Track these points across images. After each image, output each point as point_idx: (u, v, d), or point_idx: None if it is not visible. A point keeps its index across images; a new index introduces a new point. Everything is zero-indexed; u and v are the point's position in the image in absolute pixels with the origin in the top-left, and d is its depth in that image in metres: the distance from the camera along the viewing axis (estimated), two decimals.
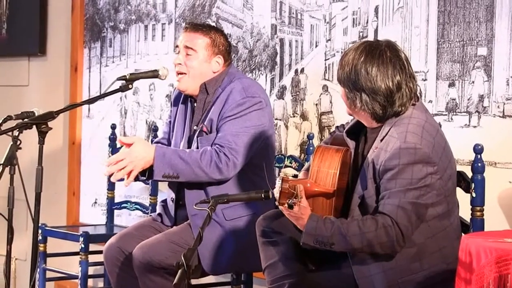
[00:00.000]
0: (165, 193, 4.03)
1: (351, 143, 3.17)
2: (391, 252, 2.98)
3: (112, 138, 4.94)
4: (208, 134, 3.76)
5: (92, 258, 4.55)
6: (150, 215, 4.11)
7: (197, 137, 3.78)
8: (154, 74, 3.86)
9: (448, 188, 3.04)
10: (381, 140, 3.03)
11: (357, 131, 3.20)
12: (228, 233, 3.70)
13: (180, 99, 3.97)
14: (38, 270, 4.57)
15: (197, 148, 3.75)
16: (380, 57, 3.03)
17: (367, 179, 3.03)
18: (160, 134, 4.21)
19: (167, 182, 3.89)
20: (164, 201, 3.98)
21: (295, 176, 3.01)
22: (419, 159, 2.94)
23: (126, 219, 5.15)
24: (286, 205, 2.97)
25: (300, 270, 3.17)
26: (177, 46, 3.90)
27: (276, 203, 3.01)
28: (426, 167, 2.95)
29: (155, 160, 3.66)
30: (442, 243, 3.03)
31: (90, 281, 4.81)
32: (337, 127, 3.43)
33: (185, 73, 3.83)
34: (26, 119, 3.53)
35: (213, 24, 4.63)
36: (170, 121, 4.02)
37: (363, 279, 3.05)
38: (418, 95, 3.12)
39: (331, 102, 4.23)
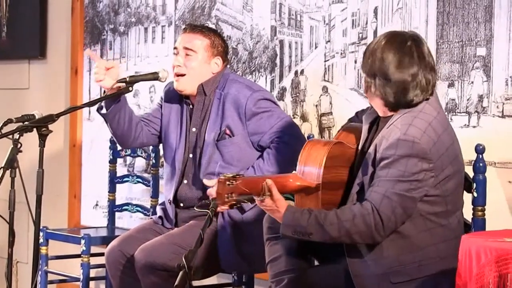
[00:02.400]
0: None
1: (365, 127, 3.18)
2: (371, 242, 2.98)
3: (113, 141, 4.94)
4: (231, 137, 3.78)
5: (93, 261, 4.55)
6: (151, 218, 4.12)
7: (217, 140, 3.79)
8: (154, 77, 3.87)
9: (448, 188, 3.03)
10: (387, 128, 3.05)
11: (374, 120, 3.21)
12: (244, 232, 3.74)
13: (174, 98, 3.96)
14: (40, 272, 4.57)
15: (219, 149, 3.79)
16: (399, 45, 3.05)
17: (369, 166, 3.04)
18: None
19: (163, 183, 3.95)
20: (163, 203, 3.98)
21: (235, 177, 3.03)
22: (415, 153, 2.95)
23: (127, 221, 5.15)
24: (227, 206, 3.03)
25: (301, 266, 3.18)
26: (175, 48, 3.90)
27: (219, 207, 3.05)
28: (422, 162, 2.95)
29: None
30: (438, 239, 3.03)
31: (92, 284, 4.82)
32: (356, 112, 3.43)
33: (184, 74, 3.84)
34: (26, 122, 3.54)
35: (213, 26, 4.63)
36: (159, 111, 3.99)
37: (356, 266, 3.05)
38: (435, 89, 3.11)
39: (331, 103, 4.23)
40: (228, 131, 3.79)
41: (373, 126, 3.18)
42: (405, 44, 3.04)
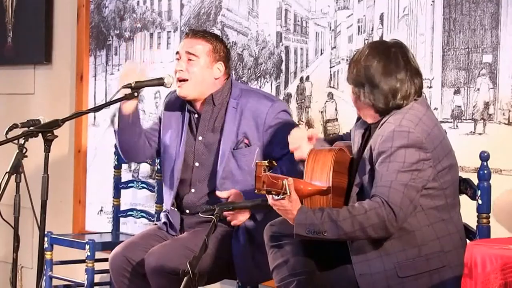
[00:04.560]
0: None
1: (358, 136, 3.21)
2: (385, 234, 3.00)
3: None
4: (249, 146, 3.78)
5: (98, 266, 4.55)
6: (155, 224, 4.11)
7: (234, 149, 3.78)
8: (159, 82, 3.87)
9: (446, 181, 3.07)
10: (379, 128, 3.09)
11: (365, 129, 3.24)
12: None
13: (175, 106, 3.95)
14: (44, 278, 4.57)
15: (235, 157, 3.79)
16: (383, 52, 3.10)
17: (366, 166, 3.08)
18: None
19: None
20: (166, 210, 3.98)
21: (270, 162, 3.04)
22: (412, 143, 2.99)
23: (132, 227, 5.15)
24: (264, 191, 2.99)
25: (309, 269, 3.18)
26: (177, 53, 3.89)
27: (255, 190, 3.03)
28: (419, 152, 3.00)
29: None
30: (440, 233, 3.07)
31: None
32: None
33: (186, 79, 3.83)
34: (31, 127, 3.55)
35: (218, 32, 4.64)
36: (158, 124, 4.00)
37: (360, 264, 3.07)
38: (422, 91, 3.16)
39: (336, 110, 4.23)
40: (246, 141, 3.79)
41: (365, 135, 3.22)
42: (390, 51, 3.11)
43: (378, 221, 2.95)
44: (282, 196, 2.99)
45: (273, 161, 3.11)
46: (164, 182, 3.99)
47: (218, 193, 3.72)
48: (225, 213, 3.68)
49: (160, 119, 4.02)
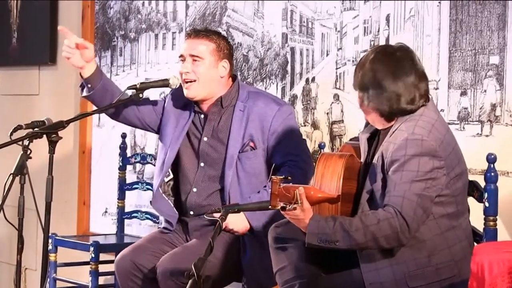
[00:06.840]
0: None
1: (363, 142, 3.19)
2: (398, 244, 2.98)
3: (123, 147, 4.94)
4: (255, 149, 3.77)
5: (102, 268, 4.54)
6: (159, 227, 4.09)
7: (240, 152, 3.76)
8: (164, 83, 3.87)
9: (457, 188, 3.05)
10: (391, 136, 3.07)
11: (372, 134, 3.23)
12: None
13: (180, 103, 3.93)
14: (48, 280, 4.57)
15: (241, 161, 3.77)
16: (388, 56, 3.08)
17: (376, 173, 3.06)
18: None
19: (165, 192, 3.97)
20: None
21: (285, 178, 3.02)
22: (425, 151, 2.97)
23: (136, 228, 5.14)
24: (279, 206, 2.98)
25: (312, 272, 3.17)
26: (181, 56, 3.87)
27: (269, 206, 3.01)
28: (432, 160, 2.97)
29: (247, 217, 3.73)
30: (451, 242, 3.05)
31: None
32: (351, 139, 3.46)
33: (194, 80, 3.81)
34: (36, 129, 3.54)
35: (224, 33, 4.62)
36: (163, 106, 3.97)
37: (370, 273, 3.05)
38: (430, 96, 3.14)
39: (342, 111, 4.21)
40: (251, 144, 3.78)
41: (373, 141, 3.20)
42: (395, 55, 3.09)
43: (391, 232, 2.93)
44: (293, 206, 2.98)
45: (288, 177, 3.08)
46: (156, 168, 3.97)
47: (206, 216, 3.69)
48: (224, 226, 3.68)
49: (163, 109, 3.98)
